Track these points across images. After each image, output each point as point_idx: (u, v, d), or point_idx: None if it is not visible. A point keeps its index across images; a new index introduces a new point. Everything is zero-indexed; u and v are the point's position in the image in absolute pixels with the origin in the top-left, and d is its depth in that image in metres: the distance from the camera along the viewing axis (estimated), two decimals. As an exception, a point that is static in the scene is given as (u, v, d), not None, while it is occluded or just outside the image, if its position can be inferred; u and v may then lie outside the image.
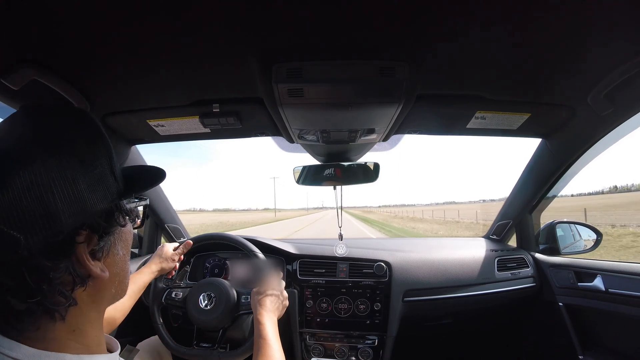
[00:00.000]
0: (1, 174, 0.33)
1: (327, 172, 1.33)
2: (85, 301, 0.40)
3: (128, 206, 0.45)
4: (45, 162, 0.34)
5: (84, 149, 0.39)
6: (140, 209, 0.53)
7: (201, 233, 1.37)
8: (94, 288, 0.41)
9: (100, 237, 0.40)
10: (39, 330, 0.37)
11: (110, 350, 0.47)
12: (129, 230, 0.48)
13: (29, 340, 0.36)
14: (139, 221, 0.53)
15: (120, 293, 0.47)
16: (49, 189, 0.34)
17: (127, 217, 0.45)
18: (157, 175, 0.52)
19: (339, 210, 1.39)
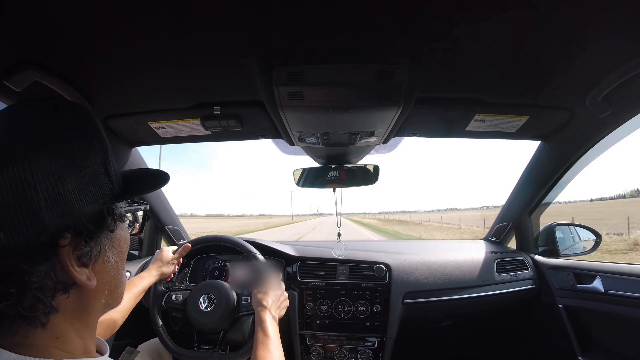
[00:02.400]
0: None
1: (327, 174, 1.34)
2: (71, 309, 0.38)
3: (125, 209, 0.43)
4: (30, 159, 0.33)
5: (76, 146, 0.36)
6: (140, 213, 0.50)
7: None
8: (80, 296, 0.38)
9: (85, 241, 0.37)
10: (16, 336, 0.34)
11: (100, 353, 0.45)
12: (123, 237, 0.45)
13: (11, 345, 0.34)
14: (137, 226, 0.50)
15: (112, 303, 0.44)
16: (33, 187, 0.32)
17: (119, 222, 0.42)
18: (158, 179, 0.49)
19: (338, 214, 1.40)
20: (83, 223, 0.36)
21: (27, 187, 0.32)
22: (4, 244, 0.30)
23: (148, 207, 0.51)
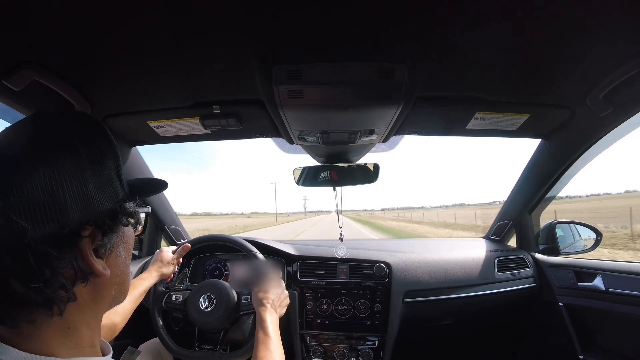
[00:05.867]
0: (21, 171, 0.35)
1: (327, 173, 1.33)
2: (85, 299, 0.41)
3: (132, 209, 0.46)
4: (59, 162, 0.37)
5: (96, 153, 0.41)
6: (142, 215, 0.55)
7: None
8: (95, 286, 0.41)
9: (104, 233, 0.41)
10: (33, 325, 0.37)
11: (103, 353, 0.47)
12: (131, 235, 0.49)
13: (19, 336, 0.36)
14: (140, 228, 0.54)
15: (120, 296, 0.48)
16: (61, 185, 0.36)
17: (130, 219, 0.46)
18: (159, 185, 0.57)
19: (339, 213, 1.40)
20: (102, 218, 0.40)
21: (55, 187, 0.35)
22: (31, 236, 0.33)
23: (150, 210, 0.55)
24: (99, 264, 0.40)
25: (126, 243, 0.47)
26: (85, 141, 0.40)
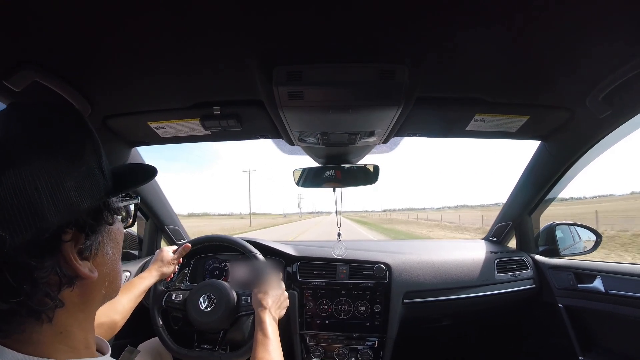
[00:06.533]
0: None
1: (327, 174, 1.34)
2: (75, 302, 0.39)
3: (118, 205, 0.44)
4: (31, 161, 0.33)
5: (71, 146, 0.38)
6: (132, 207, 0.53)
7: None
8: (83, 289, 0.39)
9: (87, 235, 0.38)
10: (24, 333, 0.35)
11: (101, 352, 0.46)
12: (119, 230, 0.47)
13: (15, 343, 0.35)
14: (130, 220, 0.52)
15: (112, 293, 0.46)
16: (35, 187, 0.33)
17: (116, 216, 0.44)
18: (147, 173, 0.51)
19: (338, 214, 1.40)
20: (83, 218, 0.37)
21: (29, 188, 0.32)
22: (9, 245, 0.31)
23: (139, 200, 0.53)
24: (84, 267, 0.38)
25: (114, 240, 0.45)
26: (60, 134, 0.37)
